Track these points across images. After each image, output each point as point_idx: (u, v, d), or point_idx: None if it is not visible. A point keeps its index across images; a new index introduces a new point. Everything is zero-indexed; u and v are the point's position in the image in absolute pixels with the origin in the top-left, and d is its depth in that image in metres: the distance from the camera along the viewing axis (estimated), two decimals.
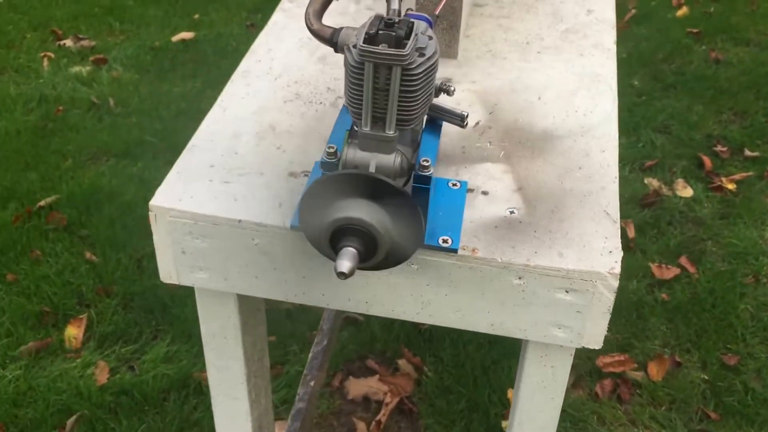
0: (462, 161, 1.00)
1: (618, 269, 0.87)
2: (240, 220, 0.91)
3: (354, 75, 0.79)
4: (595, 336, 0.91)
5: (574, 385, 2.05)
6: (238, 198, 0.93)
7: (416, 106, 0.81)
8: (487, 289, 0.90)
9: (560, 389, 1.01)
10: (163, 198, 0.93)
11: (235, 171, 0.97)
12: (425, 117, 0.88)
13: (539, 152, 1.02)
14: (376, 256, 0.79)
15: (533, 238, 0.90)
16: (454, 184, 0.96)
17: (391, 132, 0.80)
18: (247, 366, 1.10)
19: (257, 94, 1.09)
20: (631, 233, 2.48)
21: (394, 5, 0.83)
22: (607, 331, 0.91)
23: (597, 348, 0.94)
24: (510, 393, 2.02)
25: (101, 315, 2.24)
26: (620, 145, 1.05)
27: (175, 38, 3.54)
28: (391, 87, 0.78)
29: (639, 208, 2.60)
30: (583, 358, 2.10)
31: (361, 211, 0.77)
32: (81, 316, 2.22)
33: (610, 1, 1.33)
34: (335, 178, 0.77)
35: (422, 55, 0.79)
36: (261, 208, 0.92)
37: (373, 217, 0.77)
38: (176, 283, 0.98)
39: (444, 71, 1.15)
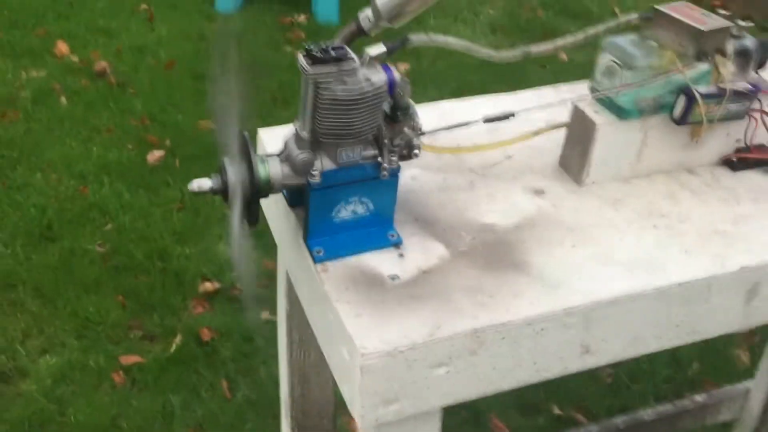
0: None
1: (366, 351, 0.89)
2: None
3: None
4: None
5: None
6: None
7: (327, 124, 0.96)
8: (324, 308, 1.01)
9: None
10: None
11: None
12: (362, 152, 1.01)
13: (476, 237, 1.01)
14: (229, 200, 1.01)
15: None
16: (392, 235, 1.06)
17: (304, 133, 1.00)
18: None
19: None
20: None
21: (373, 52, 0.99)
22: None
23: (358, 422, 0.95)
24: None
25: None
26: None
27: None
28: (307, 95, 0.97)
29: None
30: None
31: (230, 163, 1.00)
32: None
33: None
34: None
35: (342, 83, 0.96)
36: None
37: (233, 170, 0.99)
38: None
39: (553, 186, 1.15)
